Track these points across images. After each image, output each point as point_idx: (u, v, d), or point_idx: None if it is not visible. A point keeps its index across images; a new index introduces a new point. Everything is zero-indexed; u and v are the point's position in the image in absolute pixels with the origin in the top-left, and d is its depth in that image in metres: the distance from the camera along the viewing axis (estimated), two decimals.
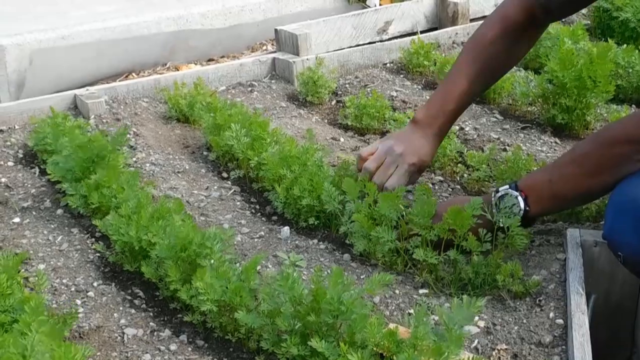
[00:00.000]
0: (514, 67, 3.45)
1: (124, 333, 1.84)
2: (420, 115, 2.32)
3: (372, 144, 2.39)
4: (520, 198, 1.95)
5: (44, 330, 1.52)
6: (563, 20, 4.05)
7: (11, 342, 1.45)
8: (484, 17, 4.17)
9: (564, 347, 1.72)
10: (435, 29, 4.07)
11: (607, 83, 2.75)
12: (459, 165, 2.63)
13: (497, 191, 2.00)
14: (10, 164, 2.69)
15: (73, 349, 1.47)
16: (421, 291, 1.97)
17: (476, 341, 1.78)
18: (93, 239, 2.24)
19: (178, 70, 3.90)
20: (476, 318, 1.83)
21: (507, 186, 1.99)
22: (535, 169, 2.38)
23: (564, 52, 2.78)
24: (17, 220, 2.33)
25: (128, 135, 2.79)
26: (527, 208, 1.95)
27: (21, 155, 2.75)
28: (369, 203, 2.07)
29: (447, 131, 2.37)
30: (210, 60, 4.18)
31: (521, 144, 2.75)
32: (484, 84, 2.42)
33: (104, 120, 2.93)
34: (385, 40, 3.84)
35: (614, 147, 1.86)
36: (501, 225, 1.95)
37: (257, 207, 2.44)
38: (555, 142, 2.82)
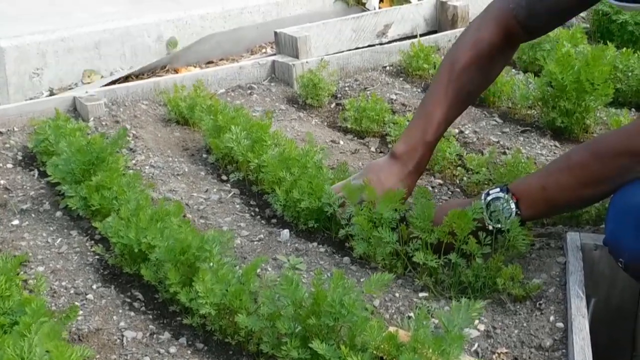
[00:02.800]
0: (514, 71, 3.47)
1: (123, 336, 1.84)
2: (400, 149, 2.23)
3: (347, 179, 2.29)
4: (512, 201, 1.95)
5: (44, 331, 1.52)
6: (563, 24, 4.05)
7: (10, 343, 1.44)
8: None
9: (564, 350, 1.72)
10: (435, 32, 4.07)
11: (605, 86, 2.74)
12: (459, 168, 2.63)
13: (488, 194, 1.99)
14: (10, 166, 2.68)
15: (69, 350, 1.47)
16: (421, 294, 1.97)
17: (476, 344, 1.77)
18: (92, 242, 2.24)
19: (177, 72, 3.90)
20: (476, 321, 1.82)
21: (497, 189, 1.99)
22: (534, 171, 2.38)
23: (561, 55, 2.78)
24: (16, 222, 2.33)
25: (127, 138, 2.79)
26: (519, 212, 1.95)
27: (20, 158, 2.75)
28: (369, 207, 2.07)
29: (427, 162, 2.28)
30: (209, 62, 4.18)
31: (521, 147, 2.75)
32: (461, 109, 2.33)
33: (103, 123, 2.93)
34: (385, 43, 3.84)
35: (616, 158, 1.83)
36: (490, 229, 1.95)
37: (257, 209, 2.44)
38: (555, 146, 2.82)
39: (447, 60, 2.27)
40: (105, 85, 3.58)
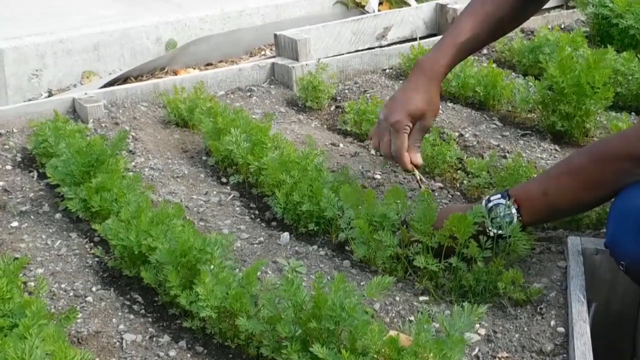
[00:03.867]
0: (514, 74, 3.46)
1: (122, 339, 1.83)
2: (423, 58, 2.30)
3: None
4: (513, 207, 1.94)
5: (47, 333, 1.52)
6: (562, 27, 4.05)
7: (11, 345, 1.44)
8: None
9: (565, 355, 1.71)
10: (435, 35, 4.07)
11: (605, 89, 2.74)
12: (459, 172, 2.62)
13: (489, 200, 1.99)
14: (9, 167, 2.67)
15: (72, 352, 1.47)
16: (421, 298, 1.97)
17: (477, 349, 1.77)
18: (92, 244, 2.23)
19: (176, 74, 3.89)
20: (477, 326, 1.82)
21: (498, 195, 1.99)
22: (535, 176, 2.37)
23: (563, 58, 2.78)
24: (15, 224, 2.32)
25: (127, 140, 2.79)
26: (520, 217, 1.94)
27: (19, 159, 2.74)
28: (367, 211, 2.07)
29: (448, 71, 2.33)
30: (208, 64, 4.17)
31: (521, 151, 2.75)
32: (492, 33, 2.36)
33: (103, 124, 2.92)
34: (385, 46, 3.84)
35: (616, 162, 1.84)
36: (491, 235, 1.95)
37: (257, 212, 2.43)
38: (555, 149, 2.82)
39: None
40: (104, 85, 3.57)
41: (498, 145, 2.83)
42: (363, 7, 4.65)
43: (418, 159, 2.24)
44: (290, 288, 1.63)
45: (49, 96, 3.61)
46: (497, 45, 3.71)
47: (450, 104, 3.20)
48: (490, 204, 1.97)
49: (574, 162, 1.95)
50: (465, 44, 2.28)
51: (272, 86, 3.40)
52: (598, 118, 2.94)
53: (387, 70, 3.59)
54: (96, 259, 2.16)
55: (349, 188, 2.15)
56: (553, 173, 1.97)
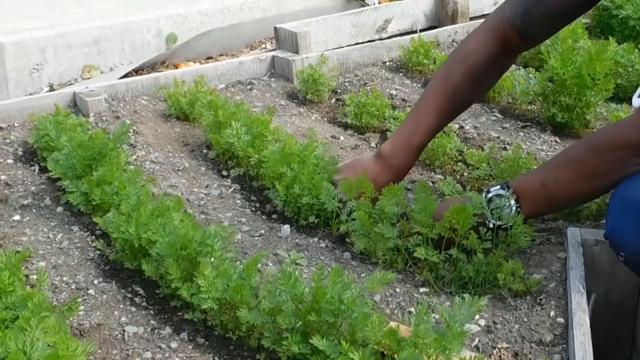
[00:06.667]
0: (514, 66, 3.46)
1: (124, 331, 1.84)
2: (386, 148, 2.28)
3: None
4: (512, 199, 1.95)
5: (49, 324, 1.52)
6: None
7: (12, 338, 1.45)
8: (483, 16, 4.20)
9: (564, 345, 1.72)
10: (435, 27, 4.07)
11: (606, 81, 2.75)
12: (459, 163, 2.63)
13: (489, 191, 1.99)
14: (10, 161, 2.68)
15: (74, 343, 1.47)
16: (422, 290, 1.97)
17: (477, 340, 1.78)
18: (93, 237, 2.24)
19: (177, 68, 3.90)
20: (477, 317, 1.83)
21: (498, 186, 1.99)
22: (534, 167, 2.38)
23: (564, 49, 2.78)
24: (17, 217, 2.33)
25: (128, 133, 2.79)
26: (519, 209, 1.95)
27: (21, 153, 2.74)
28: (368, 202, 2.08)
29: (412, 165, 2.33)
30: (209, 58, 4.17)
31: (521, 143, 2.75)
32: (454, 115, 2.38)
33: (104, 118, 2.93)
34: (385, 39, 3.84)
35: (612, 152, 1.84)
36: (491, 226, 1.96)
37: (257, 205, 2.44)
38: (555, 141, 2.82)
39: (443, 69, 2.31)
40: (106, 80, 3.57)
41: (498, 137, 2.83)
42: None
43: None
44: (288, 281, 1.63)
45: (50, 90, 3.61)
46: None
47: None
48: (489, 195, 1.97)
49: (571, 153, 1.96)
50: (423, 138, 2.28)
51: (272, 79, 3.41)
52: (598, 110, 2.94)
53: (388, 63, 3.58)
54: (98, 252, 2.16)
55: (349, 182, 2.15)
56: (551, 165, 1.98)
